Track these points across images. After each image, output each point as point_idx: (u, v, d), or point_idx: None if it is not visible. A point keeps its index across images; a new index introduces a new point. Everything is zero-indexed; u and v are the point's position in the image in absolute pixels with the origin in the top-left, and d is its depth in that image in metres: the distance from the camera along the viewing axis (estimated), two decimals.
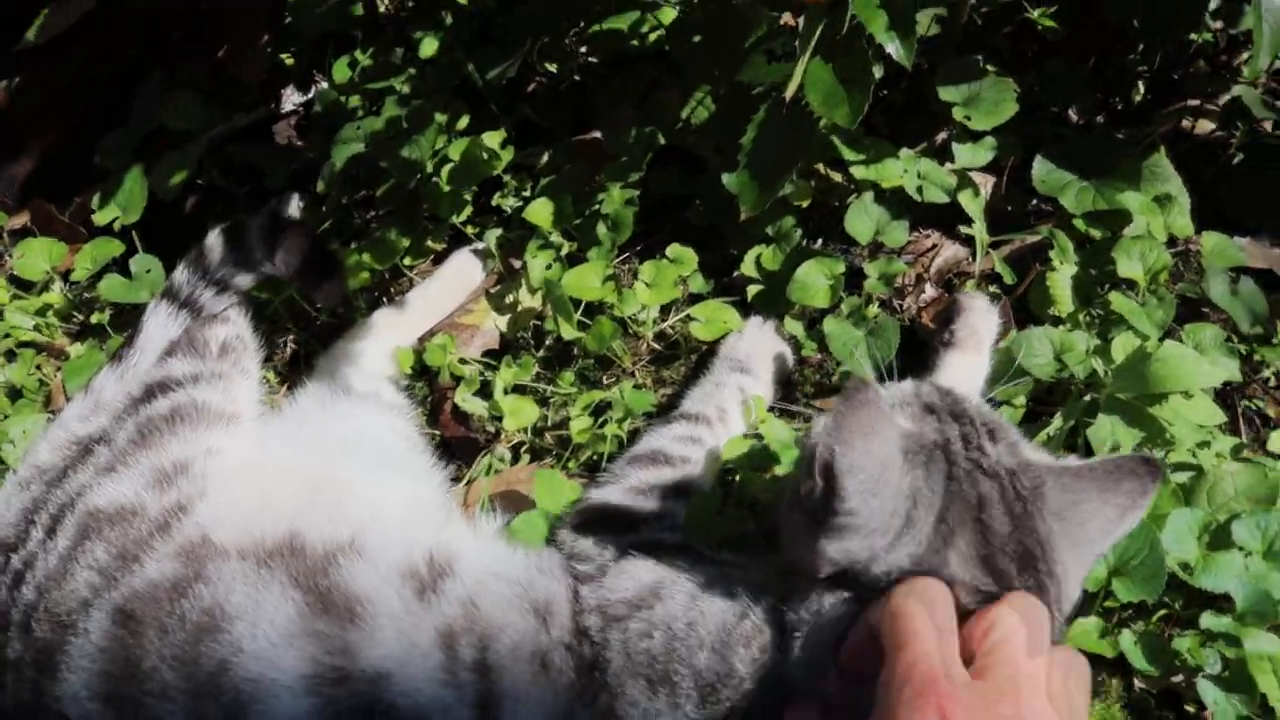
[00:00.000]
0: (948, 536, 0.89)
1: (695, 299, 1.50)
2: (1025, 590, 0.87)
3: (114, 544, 1.13)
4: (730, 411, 1.33)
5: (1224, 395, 1.40)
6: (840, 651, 0.86)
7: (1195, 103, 1.73)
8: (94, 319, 1.66)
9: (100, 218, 1.69)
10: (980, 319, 1.38)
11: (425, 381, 1.54)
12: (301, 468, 1.28)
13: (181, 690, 1.00)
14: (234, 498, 1.20)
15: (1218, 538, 1.17)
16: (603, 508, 1.21)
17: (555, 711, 0.96)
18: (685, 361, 1.49)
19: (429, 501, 1.33)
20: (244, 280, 1.53)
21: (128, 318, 1.64)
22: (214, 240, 1.53)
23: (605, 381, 1.48)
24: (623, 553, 1.11)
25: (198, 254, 1.53)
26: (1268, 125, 1.66)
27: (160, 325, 1.48)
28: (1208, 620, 1.13)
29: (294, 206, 1.76)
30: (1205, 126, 1.70)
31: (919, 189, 1.46)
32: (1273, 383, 1.43)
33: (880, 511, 0.88)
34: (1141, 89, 1.78)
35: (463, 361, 1.48)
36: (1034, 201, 1.61)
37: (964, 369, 1.34)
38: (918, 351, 1.44)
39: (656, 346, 1.51)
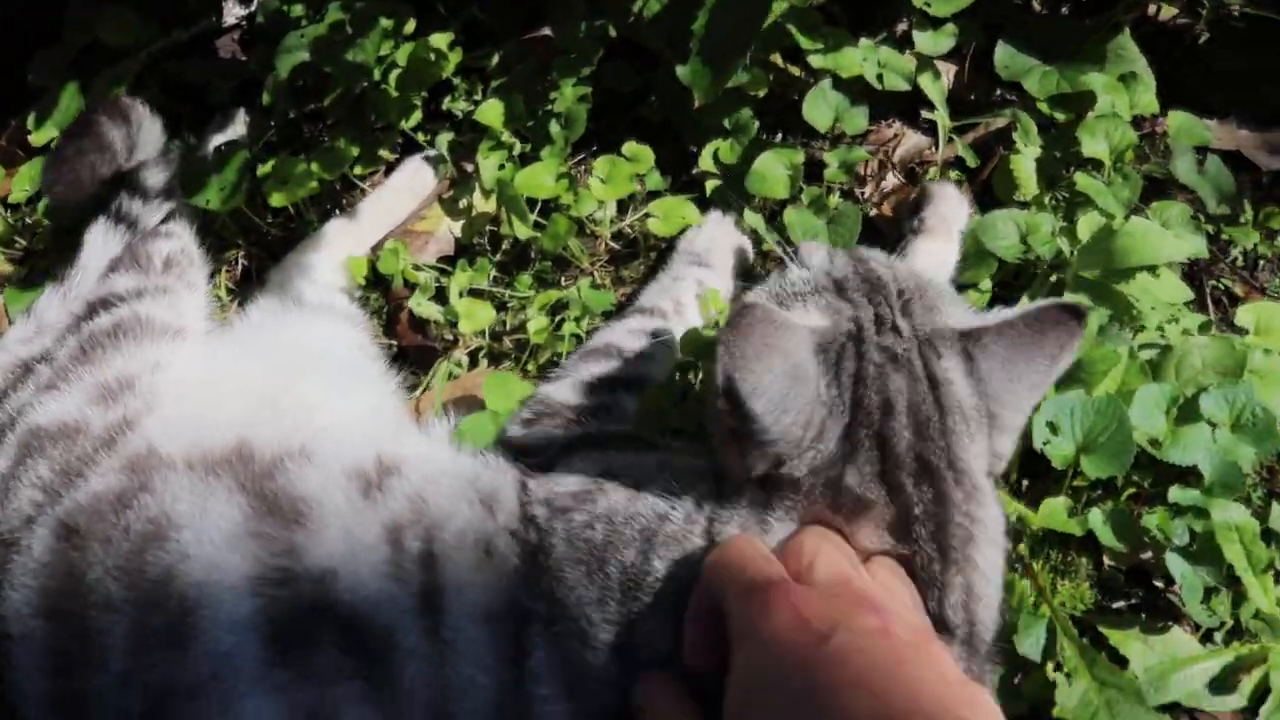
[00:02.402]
0: (849, 454, 0.89)
1: (654, 196, 1.46)
2: (921, 503, 0.87)
3: (57, 461, 1.09)
4: (687, 305, 1.30)
5: (1192, 275, 1.39)
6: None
7: None
8: (36, 243, 1.61)
9: (37, 138, 1.63)
10: (950, 206, 1.35)
11: (380, 291, 1.50)
12: (252, 381, 1.24)
13: (126, 600, 0.96)
14: (182, 411, 1.16)
15: (1185, 411, 1.15)
16: (552, 402, 1.19)
17: (498, 596, 0.94)
18: (645, 260, 1.45)
19: (382, 411, 1.29)
20: (159, 179, 1.48)
21: (70, 240, 1.59)
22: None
23: (564, 283, 1.45)
24: (570, 446, 1.08)
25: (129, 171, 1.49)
26: (1234, 9, 1.62)
27: (99, 241, 1.43)
28: (1175, 494, 1.12)
29: (239, 122, 1.70)
30: (1169, 11, 1.66)
31: (879, 76, 1.42)
32: (1240, 263, 1.42)
33: (795, 424, 0.88)
34: None
35: (417, 268, 1.44)
36: (998, 92, 1.57)
37: (935, 256, 1.32)
38: (879, 243, 1.41)
39: (615, 246, 1.47)
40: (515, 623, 0.92)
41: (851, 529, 0.87)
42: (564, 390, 1.19)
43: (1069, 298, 1.22)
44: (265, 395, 1.21)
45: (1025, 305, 0.98)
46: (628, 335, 1.25)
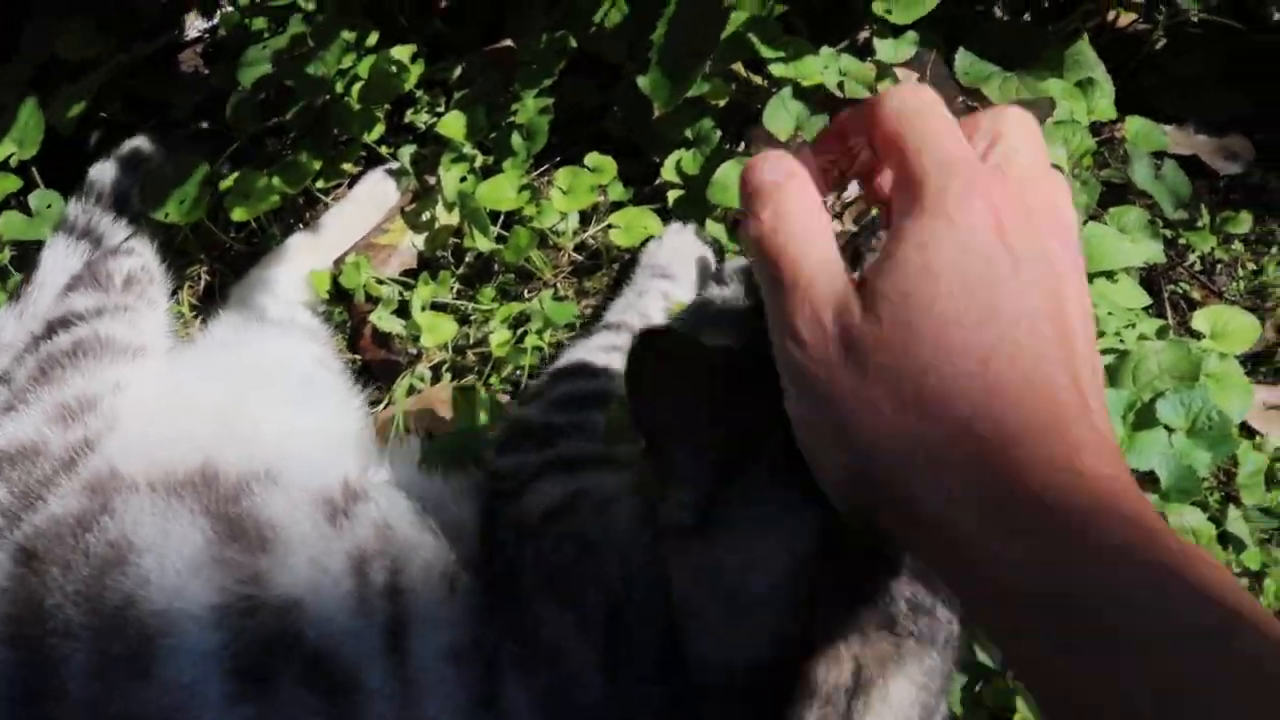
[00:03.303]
0: None
1: (617, 207, 1.46)
2: None
3: (16, 484, 1.07)
4: (654, 318, 1.30)
5: (1150, 280, 1.40)
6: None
7: None
8: None
9: None
10: None
11: (343, 306, 1.49)
12: (215, 398, 1.23)
13: (86, 627, 0.94)
14: (145, 431, 1.14)
15: (1142, 417, 1.16)
16: (524, 424, 1.18)
17: (464, 633, 0.91)
18: (608, 271, 1.45)
19: (346, 427, 1.28)
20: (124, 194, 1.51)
21: (31, 257, 1.58)
22: (100, 170, 1.51)
23: (527, 295, 1.45)
24: (543, 468, 1.07)
25: (87, 186, 1.51)
26: (1191, 15, 1.64)
27: (59, 259, 1.42)
28: None
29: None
30: (1128, 17, 1.67)
31: (840, 84, 1.42)
32: (1198, 267, 1.43)
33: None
34: None
35: (380, 282, 1.44)
36: (960, 99, 1.58)
37: None
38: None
39: (578, 257, 1.47)
40: (483, 662, 0.89)
41: None
42: (535, 411, 1.18)
43: None
44: (227, 414, 1.19)
45: None
46: (597, 353, 1.24)
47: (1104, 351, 1.23)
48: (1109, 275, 1.26)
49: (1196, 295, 1.40)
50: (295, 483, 1.06)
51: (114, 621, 0.94)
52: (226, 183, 1.51)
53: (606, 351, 1.26)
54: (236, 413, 1.20)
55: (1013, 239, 0.62)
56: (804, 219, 0.68)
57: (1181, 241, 1.42)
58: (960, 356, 0.61)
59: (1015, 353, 0.61)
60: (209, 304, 1.55)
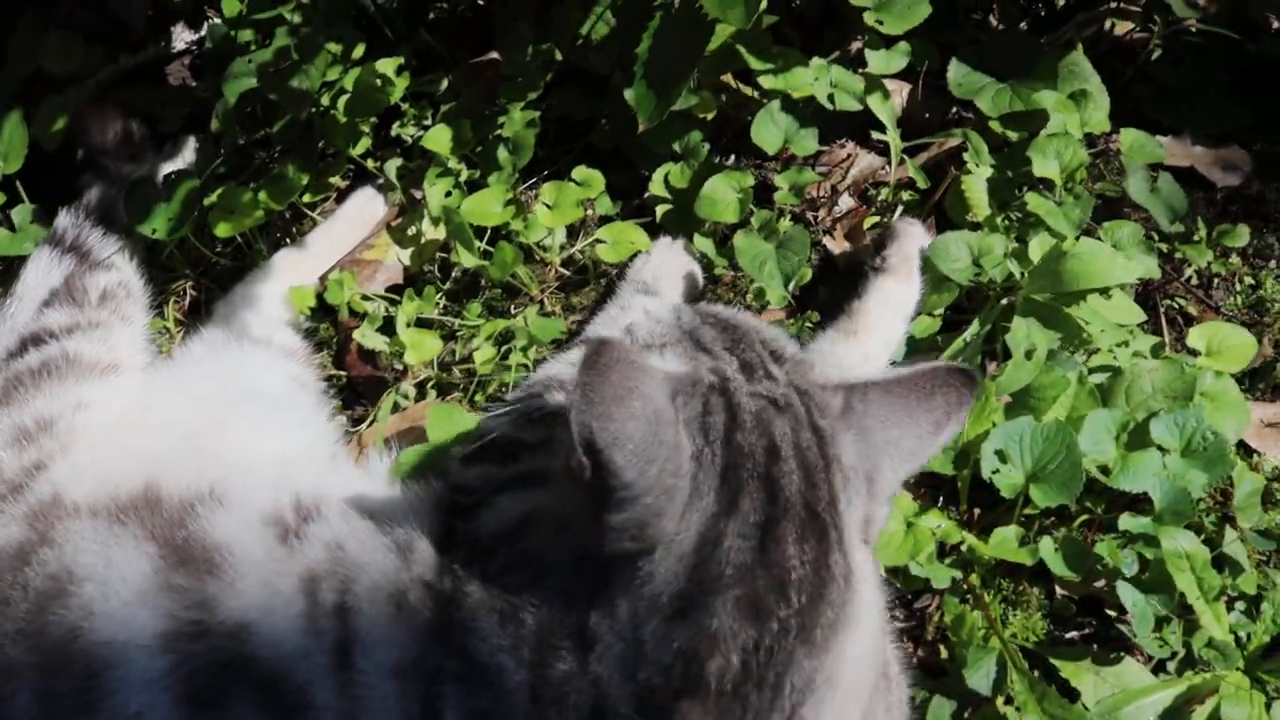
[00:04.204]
0: (729, 504, 0.82)
1: (605, 222, 1.44)
2: (802, 564, 0.80)
3: None
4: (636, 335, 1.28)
5: (1145, 295, 1.37)
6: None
7: (1115, 3, 1.68)
8: None
9: None
10: (914, 244, 1.32)
11: (330, 321, 1.48)
12: (182, 416, 1.22)
13: (29, 665, 0.92)
14: (99, 452, 1.13)
15: (1136, 437, 1.14)
16: (493, 437, 1.16)
17: (408, 652, 0.89)
18: (595, 287, 1.43)
19: (314, 447, 1.25)
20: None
21: (14, 272, 1.56)
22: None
23: (514, 311, 1.43)
24: (505, 483, 1.04)
25: (80, 200, 1.49)
26: (1189, 25, 1.61)
27: (41, 272, 1.40)
28: (1126, 521, 1.11)
29: (189, 149, 1.68)
30: (1124, 26, 1.65)
31: (830, 97, 1.40)
32: (1194, 281, 1.40)
33: (661, 475, 0.80)
34: None
35: (365, 298, 1.42)
36: (954, 110, 1.56)
37: (894, 295, 1.30)
38: (832, 272, 1.40)
39: (565, 273, 1.45)
40: (426, 680, 0.88)
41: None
42: (505, 425, 1.16)
43: (1018, 323, 1.20)
44: (191, 432, 1.18)
45: (914, 365, 0.92)
46: (571, 368, 1.22)
47: (1096, 370, 1.21)
48: (1103, 292, 1.23)
49: (1193, 310, 1.37)
50: (245, 503, 1.03)
51: (58, 657, 0.92)
52: (211, 198, 1.49)
53: None
54: (201, 431, 1.18)
55: None
56: None
57: (1178, 255, 1.39)
58: None
59: None
60: (194, 319, 1.53)
